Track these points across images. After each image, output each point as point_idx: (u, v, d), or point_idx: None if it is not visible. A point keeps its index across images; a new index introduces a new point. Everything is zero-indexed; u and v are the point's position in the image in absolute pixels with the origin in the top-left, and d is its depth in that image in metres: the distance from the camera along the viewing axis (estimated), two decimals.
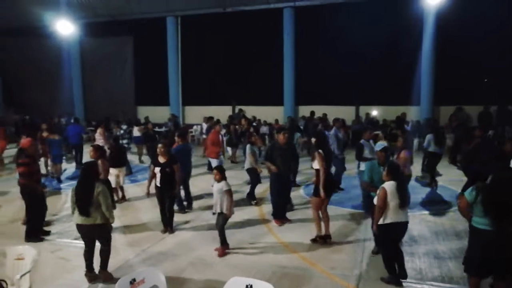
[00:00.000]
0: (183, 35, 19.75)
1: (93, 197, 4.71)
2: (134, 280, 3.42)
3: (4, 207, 8.19)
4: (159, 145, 6.63)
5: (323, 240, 6.10)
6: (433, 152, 9.62)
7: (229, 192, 5.59)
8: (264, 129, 17.51)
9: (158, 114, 19.34)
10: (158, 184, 6.48)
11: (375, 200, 4.85)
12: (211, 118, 13.92)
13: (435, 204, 8.14)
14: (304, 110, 17.69)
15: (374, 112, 17.22)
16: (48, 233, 6.62)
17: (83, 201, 4.75)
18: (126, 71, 21.19)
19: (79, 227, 4.89)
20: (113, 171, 8.18)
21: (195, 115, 18.82)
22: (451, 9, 14.36)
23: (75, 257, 5.68)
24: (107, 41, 21.17)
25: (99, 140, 11.47)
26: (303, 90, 17.98)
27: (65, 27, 18.29)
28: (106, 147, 10.19)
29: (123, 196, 8.78)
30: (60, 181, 10.18)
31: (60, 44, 20.60)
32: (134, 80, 21.05)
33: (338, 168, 8.99)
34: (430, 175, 9.55)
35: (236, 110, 18.86)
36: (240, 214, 7.33)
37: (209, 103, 19.26)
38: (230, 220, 6.00)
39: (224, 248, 5.74)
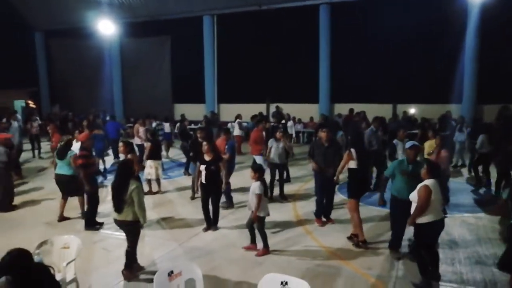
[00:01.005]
0: (219, 33, 19.98)
1: (127, 194, 4.82)
2: (171, 272, 3.51)
3: (51, 200, 8.61)
4: (204, 143, 6.61)
5: (364, 245, 5.87)
6: (485, 153, 9.22)
7: (259, 197, 5.49)
8: (298, 127, 17.46)
9: (194, 111, 19.72)
10: (203, 182, 6.47)
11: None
12: (255, 116, 13.96)
13: (484, 205, 7.88)
14: (340, 108, 17.45)
15: (412, 110, 16.72)
16: (101, 224, 6.96)
17: (117, 197, 4.89)
18: (163, 70, 21.71)
19: (115, 221, 5.09)
20: (151, 164, 8.72)
21: (230, 112, 18.99)
22: (495, 4, 13.71)
23: (116, 248, 5.92)
24: (145, 40, 21.76)
25: (137, 135, 11.86)
26: (338, 87, 17.72)
27: (106, 28, 18.99)
28: (144, 142, 10.52)
29: (159, 190, 9.08)
30: (104, 176, 10.44)
31: (101, 44, 21.46)
32: (171, 78, 21.53)
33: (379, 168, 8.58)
34: (485, 177, 9.26)
35: (272, 108, 18.85)
36: (275, 211, 7.32)
37: (244, 100, 19.37)
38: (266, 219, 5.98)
39: (264, 251, 5.63)
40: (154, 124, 11.57)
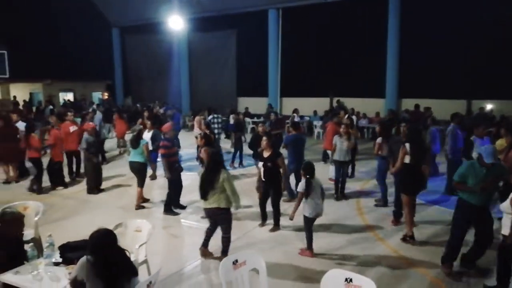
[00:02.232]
0: (283, 27, 19.95)
1: (218, 184, 4.97)
2: (236, 261, 3.60)
3: (123, 186, 9.23)
4: (264, 138, 6.56)
5: (412, 240, 5.84)
6: None
7: (300, 195, 5.34)
8: (363, 122, 16.96)
9: (257, 105, 19.97)
10: (262, 178, 6.43)
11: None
12: (329, 111, 13.76)
13: None
14: (407, 103, 16.65)
15: (489, 107, 15.48)
16: (184, 207, 7.38)
17: (207, 186, 5.04)
18: (229, 64, 22.17)
19: (206, 210, 5.23)
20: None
21: (293, 106, 18.95)
22: None
23: (185, 235, 6.22)
24: (212, 35, 22.34)
25: (196, 127, 12.23)
26: (407, 82, 16.90)
27: (176, 23, 19.75)
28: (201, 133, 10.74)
29: None
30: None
31: (171, 39, 22.43)
32: (236, 72, 21.92)
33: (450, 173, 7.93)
34: None
35: (334, 102, 18.52)
36: (337, 209, 7.22)
37: (307, 94, 19.21)
38: (329, 217, 5.87)
39: (307, 253, 5.44)
40: (210, 117, 11.81)
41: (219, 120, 11.76)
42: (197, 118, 12.58)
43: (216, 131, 11.32)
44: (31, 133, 8.87)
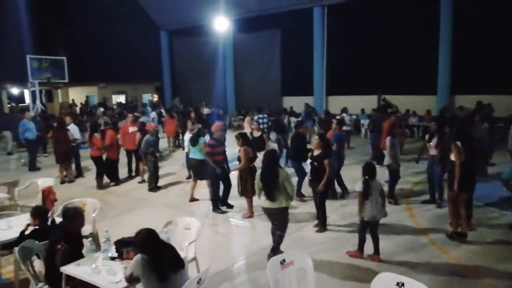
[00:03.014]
0: (328, 24, 19.67)
1: (279, 183, 5.02)
2: (284, 260, 3.61)
3: (174, 184, 9.53)
4: (316, 137, 6.51)
5: (458, 238, 5.64)
6: None
7: (360, 196, 5.18)
8: (412, 120, 16.34)
9: (302, 104, 19.80)
10: (309, 176, 6.43)
11: None
12: (384, 107, 13.39)
13: None
14: (461, 100, 15.81)
15: None
16: (231, 206, 7.53)
17: (271, 186, 5.07)
18: (273, 63, 22.20)
19: (265, 209, 5.26)
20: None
21: (339, 104, 18.63)
22: None
23: (231, 234, 6.32)
24: (256, 35, 22.46)
25: (246, 127, 12.34)
26: (460, 77, 16.04)
27: (221, 24, 20.10)
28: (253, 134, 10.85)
29: None
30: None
31: (216, 40, 22.84)
32: (280, 71, 21.91)
33: None
34: None
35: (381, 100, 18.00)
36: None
37: (353, 92, 18.82)
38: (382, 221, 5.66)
39: (355, 254, 5.29)
40: (255, 117, 11.84)
41: (265, 120, 11.74)
42: (247, 118, 12.71)
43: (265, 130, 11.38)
44: (94, 133, 9.39)
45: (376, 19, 17.48)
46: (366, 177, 5.18)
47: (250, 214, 6.99)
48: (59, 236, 3.87)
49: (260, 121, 11.54)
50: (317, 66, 19.95)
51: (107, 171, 9.54)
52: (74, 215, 4.14)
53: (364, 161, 5.88)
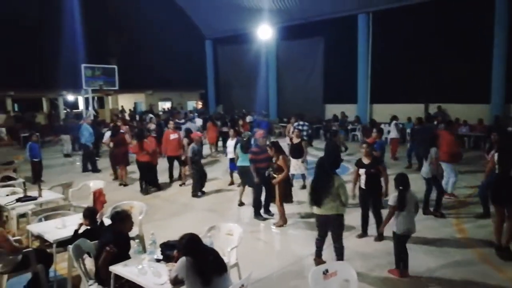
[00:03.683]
0: (373, 31, 19.31)
1: (333, 189, 4.95)
2: (327, 271, 3.56)
3: (216, 190, 9.68)
4: (363, 145, 6.40)
5: (501, 253, 5.36)
6: None
7: (392, 209, 4.97)
8: (463, 130, 15.60)
9: (344, 112, 19.54)
10: (363, 187, 6.25)
11: None
12: (429, 117, 12.91)
13: None
14: None
15: None
16: (272, 214, 7.52)
17: (321, 192, 5.00)
18: (315, 71, 22.06)
19: (319, 217, 5.16)
20: (293, 162, 8.85)
21: (383, 113, 18.19)
22: None
23: (272, 241, 6.33)
24: (299, 42, 22.45)
25: (290, 134, 12.32)
26: None
27: (265, 33, 20.31)
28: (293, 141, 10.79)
29: (304, 185, 9.39)
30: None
31: (259, 47, 23.07)
32: (323, 79, 21.74)
33: None
34: None
35: (433, 109, 17.33)
36: (431, 229, 6.74)
37: (398, 100, 18.29)
38: (423, 235, 5.46)
39: (395, 272, 5.02)
40: (295, 124, 11.79)
41: (305, 127, 11.64)
42: (288, 125, 12.72)
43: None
44: (144, 139, 9.77)
45: (424, 24, 16.94)
46: (401, 188, 4.97)
47: (282, 223, 6.92)
48: (110, 239, 4.05)
49: (300, 127, 11.49)
50: (361, 74, 19.61)
51: (149, 176, 9.82)
52: (125, 218, 4.32)
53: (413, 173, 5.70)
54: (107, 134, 11.46)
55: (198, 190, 9.18)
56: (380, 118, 18.46)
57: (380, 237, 6.14)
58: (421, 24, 17.01)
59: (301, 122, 11.73)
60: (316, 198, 5.05)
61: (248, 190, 7.98)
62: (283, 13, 21.33)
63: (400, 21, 17.75)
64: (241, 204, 8.22)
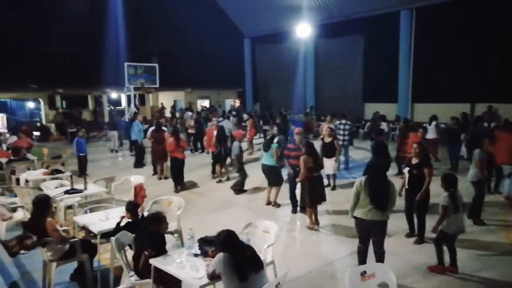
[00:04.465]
0: (416, 28, 18.68)
1: (388, 194, 4.78)
2: (365, 272, 3.50)
3: (252, 187, 9.75)
4: (415, 145, 6.21)
5: None
6: None
7: (444, 209, 4.85)
8: None
9: (384, 111, 19.07)
10: (406, 186, 6.14)
11: None
12: (480, 118, 12.37)
13: None
14: None
15: None
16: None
17: (383, 196, 4.76)
18: (355, 69, 21.66)
19: (365, 221, 4.85)
20: (325, 162, 8.65)
21: (424, 112, 17.57)
22: None
23: (308, 240, 6.29)
24: (338, 40, 22.11)
25: (321, 132, 12.16)
26: None
27: (303, 31, 20.15)
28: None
29: (334, 186, 9.29)
30: None
31: (297, 46, 22.94)
32: (362, 77, 21.31)
33: None
34: None
35: (481, 108, 16.50)
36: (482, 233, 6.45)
37: (442, 100, 17.58)
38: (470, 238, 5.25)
39: (439, 268, 5.02)
40: (337, 123, 11.56)
41: (347, 126, 11.36)
42: (322, 124, 12.55)
43: (341, 138, 11.13)
44: (179, 136, 9.95)
45: (471, 20, 16.14)
46: (452, 189, 4.90)
47: (313, 225, 6.80)
48: (147, 242, 4.17)
49: (342, 127, 11.29)
50: (402, 72, 19.04)
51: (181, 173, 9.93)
52: (161, 220, 4.41)
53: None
54: (150, 130, 11.76)
55: (240, 187, 9.27)
56: (422, 118, 17.86)
57: (420, 240, 6.00)
58: (468, 19, 16.23)
59: (343, 121, 11.46)
60: (375, 203, 4.74)
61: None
62: (322, 11, 21.08)
63: (445, 17, 17.05)
64: (268, 203, 8.18)
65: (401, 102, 19.26)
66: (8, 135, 15.44)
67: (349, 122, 11.58)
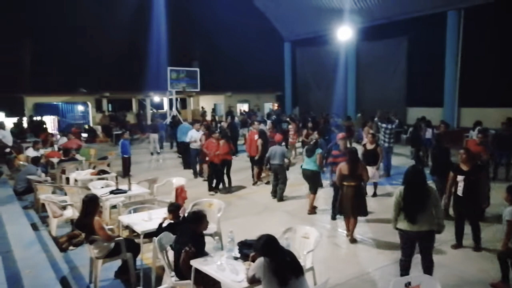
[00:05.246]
0: (464, 29, 17.90)
1: (429, 202, 4.55)
2: (409, 283, 3.37)
3: (292, 192, 9.70)
4: (461, 151, 6.00)
5: None
6: None
7: (508, 224, 4.59)
8: None
9: (429, 115, 18.34)
10: (460, 194, 5.86)
11: None
12: None
13: None
14: None
15: None
16: None
17: (417, 206, 4.55)
18: (398, 72, 21.05)
19: (409, 233, 4.65)
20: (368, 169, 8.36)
21: (472, 117, 16.77)
22: None
23: (348, 247, 6.17)
24: (380, 43, 21.60)
25: (365, 138, 11.85)
26: None
27: (344, 34, 19.88)
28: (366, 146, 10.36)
29: (375, 193, 9.02)
30: None
31: (338, 49, 22.64)
32: (406, 81, 20.68)
33: None
34: None
35: None
36: None
37: (492, 104, 16.70)
38: None
39: (501, 285, 4.72)
40: (384, 125, 11.22)
41: (387, 131, 11.06)
42: (365, 128, 12.28)
43: (386, 141, 10.82)
44: (229, 139, 10.16)
45: None
46: None
47: (348, 235, 6.53)
48: (188, 239, 4.24)
49: (388, 131, 11.02)
50: (448, 75, 18.28)
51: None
52: (201, 218, 4.46)
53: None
54: (193, 133, 11.58)
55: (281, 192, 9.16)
56: (469, 123, 17.09)
57: (477, 248, 5.79)
58: None
59: (389, 126, 11.15)
60: (411, 213, 4.55)
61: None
62: (364, 13, 20.70)
63: (495, 17, 16.22)
64: (311, 212, 8.00)
65: (446, 106, 18.50)
66: (59, 136, 16.28)
67: (392, 126, 11.23)
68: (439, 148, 7.79)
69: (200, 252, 4.28)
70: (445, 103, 18.56)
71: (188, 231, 4.37)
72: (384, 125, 11.17)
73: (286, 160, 9.13)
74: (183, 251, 4.15)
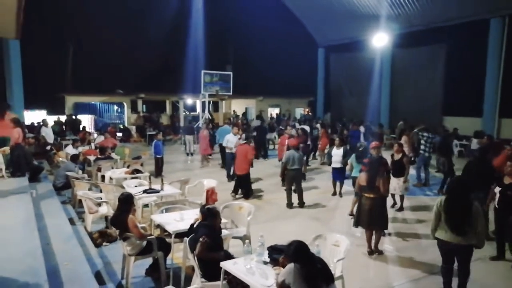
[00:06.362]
0: (508, 36, 17.19)
1: (470, 216, 4.43)
2: None
3: (320, 198, 9.61)
4: (508, 164, 5.85)
5: None
6: None
7: None
8: None
9: (466, 125, 17.73)
10: (496, 205, 5.83)
11: None
12: None
13: None
14: None
15: None
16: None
17: (462, 218, 4.46)
18: (435, 80, 20.47)
19: (447, 244, 4.59)
20: (392, 181, 7.90)
21: None
22: None
23: (377, 258, 6.06)
24: (417, 50, 21.10)
25: (405, 147, 11.52)
26: None
27: (380, 40, 19.54)
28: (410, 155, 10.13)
29: (401, 207, 8.66)
30: None
31: (373, 55, 22.27)
32: (443, 89, 20.07)
33: None
34: None
35: None
36: None
37: None
38: None
39: None
40: (426, 135, 10.92)
41: (429, 140, 10.75)
42: (404, 137, 12.01)
43: (427, 151, 10.62)
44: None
45: None
46: None
47: (369, 250, 6.27)
48: (204, 231, 4.41)
49: (429, 140, 10.75)
50: (489, 84, 17.60)
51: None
52: (215, 214, 4.69)
53: None
54: (230, 137, 11.58)
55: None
56: (510, 134, 16.40)
57: None
58: None
59: (430, 135, 10.87)
60: (451, 225, 4.47)
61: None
62: (401, 19, 20.28)
63: None
64: (351, 214, 7.90)
65: (486, 116, 17.80)
66: (96, 135, 16.85)
67: (430, 135, 10.95)
68: (482, 162, 7.20)
69: (216, 246, 4.40)
70: (484, 113, 17.87)
71: (203, 226, 4.54)
72: (426, 134, 10.88)
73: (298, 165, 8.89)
74: (198, 244, 4.28)
